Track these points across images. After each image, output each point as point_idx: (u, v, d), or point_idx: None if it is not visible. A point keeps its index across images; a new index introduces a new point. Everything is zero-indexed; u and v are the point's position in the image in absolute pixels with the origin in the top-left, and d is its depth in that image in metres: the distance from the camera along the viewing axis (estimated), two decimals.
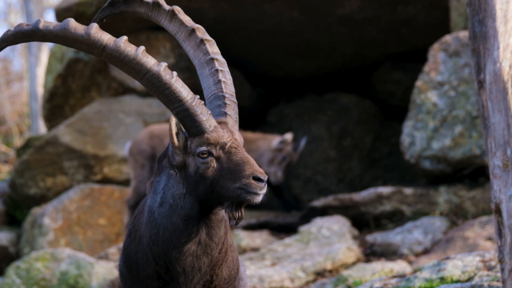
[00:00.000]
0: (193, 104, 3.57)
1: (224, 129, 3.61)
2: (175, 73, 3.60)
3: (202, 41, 3.82)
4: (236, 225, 3.67)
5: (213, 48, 3.82)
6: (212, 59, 3.79)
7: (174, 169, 3.64)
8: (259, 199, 3.56)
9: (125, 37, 3.57)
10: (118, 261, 3.90)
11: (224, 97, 3.73)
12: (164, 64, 3.57)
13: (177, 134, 3.62)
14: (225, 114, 3.70)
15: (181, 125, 3.61)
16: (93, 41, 3.52)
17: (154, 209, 3.66)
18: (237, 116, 3.74)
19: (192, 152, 3.60)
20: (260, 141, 9.22)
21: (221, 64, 3.79)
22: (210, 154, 3.57)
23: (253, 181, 3.50)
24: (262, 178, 3.50)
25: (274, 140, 9.18)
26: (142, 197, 8.72)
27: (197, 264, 3.63)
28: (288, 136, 9.16)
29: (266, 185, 3.53)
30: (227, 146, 3.57)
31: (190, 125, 3.59)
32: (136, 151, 8.83)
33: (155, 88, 3.57)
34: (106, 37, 3.54)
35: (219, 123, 3.64)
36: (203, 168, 3.57)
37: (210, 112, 3.62)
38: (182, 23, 3.89)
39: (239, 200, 3.54)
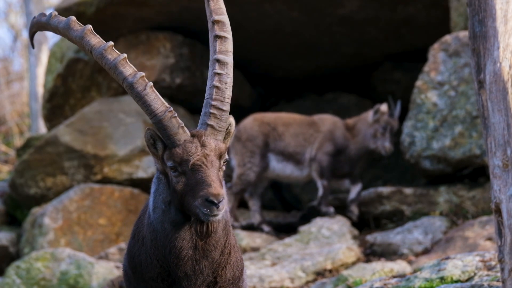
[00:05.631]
0: (162, 118, 3.53)
1: (194, 144, 3.53)
2: (149, 84, 3.56)
3: (215, 37, 3.69)
4: (205, 240, 3.59)
5: (222, 47, 3.68)
6: (215, 60, 3.67)
7: (162, 174, 3.65)
8: (213, 219, 3.49)
9: (110, 43, 3.59)
10: (123, 261, 3.90)
11: (211, 105, 3.60)
12: (140, 74, 3.55)
13: (153, 144, 3.60)
14: (206, 125, 3.60)
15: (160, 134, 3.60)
16: (83, 44, 3.61)
17: (150, 212, 3.68)
18: (223, 123, 3.61)
19: (165, 164, 3.59)
20: (358, 123, 9.12)
21: (222, 66, 3.66)
22: (177, 169, 3.54)
23: (206, 203, 3.44)
24: (214, 201, 3.43)
25: (369, 115, 9.11)
26: (248, 185, 8.83)
27: (198, 268, 3.61)
28: (380, 106, 9.04)
29: (220, 207, 3.44)
30: (190, 164, 3.50)
31: (163, 136, 3.57)
32: (246, 137, 8.92)
33: (132, 97, 3.58)
34: (94, 41, 3.60)
35: (193, 135, 3.57)
36: (174, 182, 3.55)
37: (182, 125, 3.55)
38: (211, 11, 3.75)
39: (198, 217, 3.51)
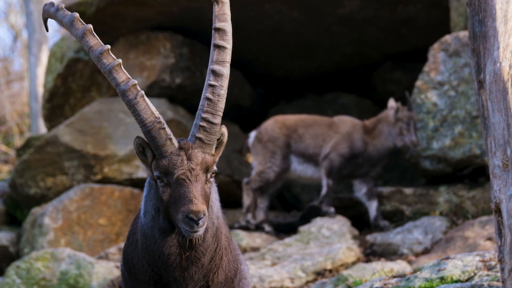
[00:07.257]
0: (150, 128, 3.52)
1: (180, 157, 3.52)
2: (140, 93, 3.54)
3: (214, 46, 3.64)
4: (189, 251, 3.58)
5: (219, 57, 3.62)
6: (211, 71, 3.61)
7: (153, 180, 3.64)
8: (193, 235, 3.50)
9: (106, 47, 3.59)
10: (121, 261, 3.91)
11: (201, 118, 3.57)
12: (132, 82, 3.54)
13: (142, 152, 3.60)
14: (195, 137, 3.57)
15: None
16: (82, 43, 3.62)
17: (141, 216, 3.68)
18: (213, 136, 3.58)
19: (153, 173, 3.58)
20: (379, 125, 9.01)
21: (217, 77, 3.60)
22: (163, 180, 3.54)
23: (186, 219, 3.44)
24: (194, 218, 3.43)
25: (389, 114, 9.00)
26: (266, 183, 8.90)
27: (187, 274, 3.60)
28: (393, 104, 8.93)
29: (200, 224, 3.44)
30: (174, 177, 3.50)
31: (152, 146, 3.56)
32: (267, 139, 8.99)
33: (124, 104, 3.58)
34: (92, 43, 3.61)
35: (181, 148, 3.55)
36: (161, 191, 3.55)
37: (170, 137, 3.54)
38: (215, 16, 3.68)
39: (180, 231, 3.51)
